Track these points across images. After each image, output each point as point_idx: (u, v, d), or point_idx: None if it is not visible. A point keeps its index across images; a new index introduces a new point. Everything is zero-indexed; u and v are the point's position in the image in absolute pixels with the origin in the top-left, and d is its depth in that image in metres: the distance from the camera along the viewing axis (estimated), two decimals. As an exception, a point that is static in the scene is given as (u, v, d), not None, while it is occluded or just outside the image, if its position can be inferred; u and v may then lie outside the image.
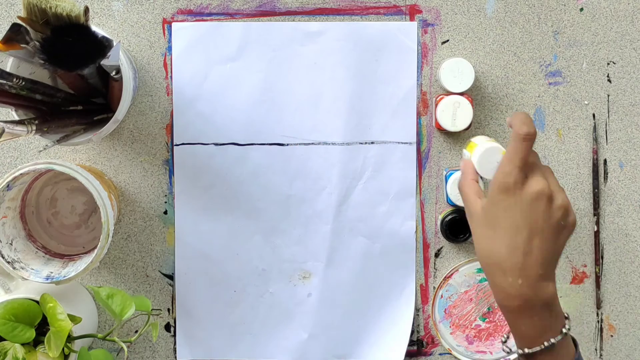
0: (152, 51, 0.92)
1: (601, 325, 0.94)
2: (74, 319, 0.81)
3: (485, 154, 0.77)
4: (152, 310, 0.92)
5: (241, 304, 0.94)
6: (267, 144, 0.93)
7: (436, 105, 0.90)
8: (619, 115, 0.93)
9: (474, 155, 0.78)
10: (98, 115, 0.88)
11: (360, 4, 0.92)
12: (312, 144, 0.93)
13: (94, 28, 0.77)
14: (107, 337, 0.83)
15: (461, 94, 0.90)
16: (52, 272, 0.84)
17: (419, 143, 0.93)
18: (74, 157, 0.93)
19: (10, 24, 0.73)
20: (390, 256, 0.93)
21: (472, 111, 0.89)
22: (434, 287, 0.94)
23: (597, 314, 0.94)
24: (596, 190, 0.93)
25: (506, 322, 0.93)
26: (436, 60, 0.92)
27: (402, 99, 0.92)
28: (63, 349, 0.80)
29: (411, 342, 0.94)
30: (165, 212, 0.93)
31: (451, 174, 0.90)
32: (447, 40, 0.92)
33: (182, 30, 0.92)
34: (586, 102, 0.93)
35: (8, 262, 0.82)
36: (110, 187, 0.90)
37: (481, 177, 0.78)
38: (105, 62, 0.76)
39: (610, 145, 0.93)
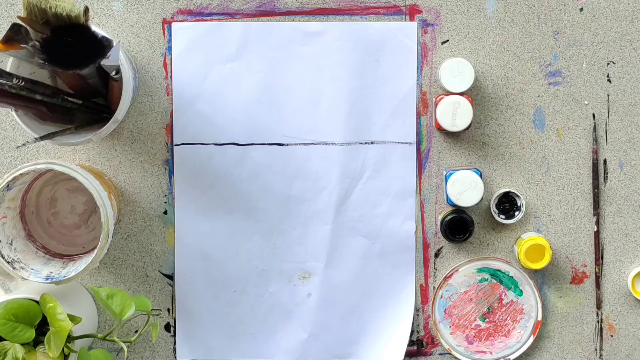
0: (152, 51, 0.92)
1: (601, 325, 0.94)
2: (74, 319, 0.81)
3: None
4: (152, 310, 0.92)
5: (241, 304, 0.94)
6: (267, 144, 0.93)
7: (436, 105, 0.90)
8: (619, 115, 0.93)
9: None
10: (98, 115, 0.88)
11: (360, 4, 0.92)
12: (312, 144, 0.93)
13: (94, 28, 0.77)
14: (107, 337, 0.83)
15: (461, 94, 0.90)
16: (52, 272, 0.84)
17: (418, 143, 0.93)
18: (74, 157, 0.93)
19: (10, 24, 0.73)
20: (390, 256, 0.93)
21: (472, 111, 0.89)
22: (434, 287, 0.94)
23: (597, 314, 0.94)
24: (596, 190, 0.93)
25: (506, 323, 0.94)
26: (436, 60, 0.92)
27: (402, 99, 0.92)
28: (63, 349, 0.80)
29: (411, 342, 0.94)
30: (165, 212, 0.93)
31: (451, 174, 0.90)
32: (447, 40, 0.92)
33: (182, 30, 0.92)
34: (586, 102, 0.93)
35: (8, 262, 0.82)
36: (110, 187, 0.90)
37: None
38: (105, 62, 0.76)
39: (610, 145, 0.93)
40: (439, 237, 0.94)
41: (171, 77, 0.92)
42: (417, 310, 0.94)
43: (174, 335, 0.94)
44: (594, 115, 0.93)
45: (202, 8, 0.92)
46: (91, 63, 0.75)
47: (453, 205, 0.91)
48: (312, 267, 0.94)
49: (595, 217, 0.93)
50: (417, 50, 0.92)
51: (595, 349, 0.94)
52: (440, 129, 0.91)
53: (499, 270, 0.93)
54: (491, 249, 0.94)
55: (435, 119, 0.90)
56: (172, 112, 0.92)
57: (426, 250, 0.94)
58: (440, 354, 0.95)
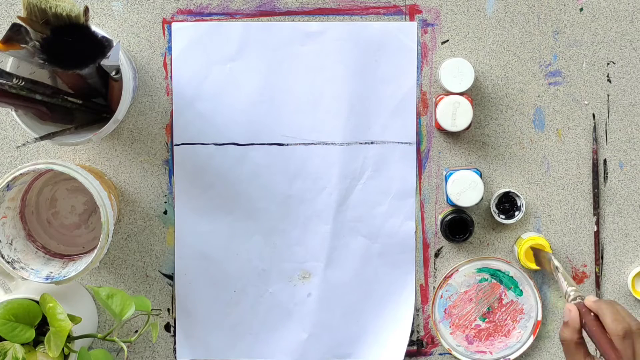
0: (152, 51, 0.92)
1: (601, 325, 0.94)
2: (74, 319, 0.81)
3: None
4: (152, 310, 0.92)
5: (241, 304, 0.94)
6: (267, 144, 0.93)
7: (436, 105, 0.90)
8: (619, 115, 0.93)
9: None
10: (98, 115, 0.88)
11: (360, 4, 0.92)
12: (312, 144, 0.93)
13: (94, 28, 0.77)
14: (107, 337, 0.83)
15: (461, 94, 0.90)
16: (52, 272, 0.84)
17: (418, 143, 0.93)
18: (74, 157, 0.93)
19: (10, 24, 0.73)
20: (390, 256, 0.93)
21: (472, 111, 0.89)
22: (434, 287, 0.94)
23: (597, 314, 0.94)
24: (596, 190, 0.93)
25: (506, 323, 0.94)
26: (436, 60, 0.92)
27: (402, 99, 0.92)
28: (63, 349, 0.80)
29: (411, 342, 0.94)
30: (165, 212, 0.93)
31: (451, 174, 0.90)
32: (447, 40, 0.92)
33: (182, 30, 0.92)
34: (586, 102, 0.93)
35: (8, 262, 0.82)
36: (110, 187, 0.90)
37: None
38: (105, 62, 0.76)
39: (610, 145, 0.93)
40: (439, 237, 0.94)
41: (171, 77, 0.92)
42: (417, 310, 0.94)
43: (174, 335, 0.94)
44: (594, 115, 0.93)
45: (202, 8, 0.92)
46: (91, 63, 0.75)
47: (453, 205, 0.91)
48: (312, 267, 0.94)
49: (595, 217, 0.93)
50: (417, 50, 0.92)
51: (596, 349, 0.94)
52: (440, 129, 0.91)
53: (499, 270, 0.93)
54: (491, 249, 0.94)
55: (435, 119, 0.90)
56: (172, 112, 0.92)
57: (426, 250, 0.94)
58: (440, 354, 0.95)
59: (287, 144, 0.93)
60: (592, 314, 0.72)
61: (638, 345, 0.70)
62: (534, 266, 0.90)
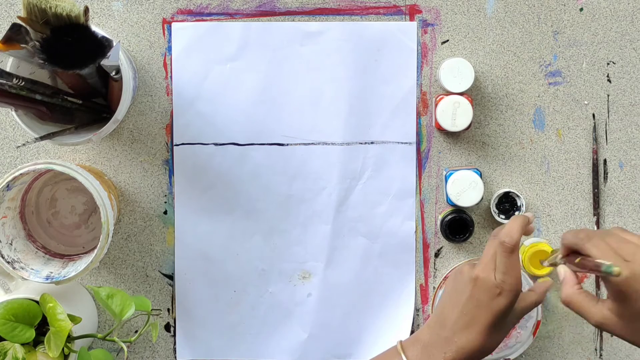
0: (152, 51, 0.92)
1: (601, 325, 0.94)
2: (74, 319, 0.81)
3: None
4: (152, 310, 0.92)
5: (241, 304, 0.94)
6: (267, 144, 0.93)
7: (436, 105, 0.90)
8: (619, 115, 0.93)
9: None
10: (98, 115, 0.88)
11: (360, 4, 0.92)
12: (312, 144, 0.93)
13: (93, 28, 0.77)
14: (107, 337, 0.83)
15: (461, 94, 0.90)
16: (52, 272, 0.84)
17: (418, 143, 0.93)
18: (74, 157, 0.93)
19: (10, 24, 0.73)
20: (390, 256, 0.93)
21: (472, 111, 0.89)
22: (434, 287, 0.94)
23: (597, 314, 0.94)
24: (596, 190, 0.93)
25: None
26: (436, 60, 0.92)
27: (402, 99, 0.92)
28: (63, 349, 0.80)
29: (411, 342, 0.94)
30: (165, 212, 0.93)
31: (451, 174, 0.90)
32: (447, 40, 0.92)
33: (182, 30, 0.92)
34: (586, 102, 0.93)
35: (8, 262, 0.82)
36: (110, 187, 0.90)
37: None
38: (105, 62, 0.76)
39: (610, 145, 0.93)
40: (439, 237, 0.94)
41: (171, 77, 0.92)
42: (417, 310, 0.94)
43: (174, 335, 0.94)
44: (594, 115, 0.93)
45: (202, 8, 0.92)
46: (91, 63, 0.75)
47: (453, 205, 0.91)
48: (312, 267, 0.94)
49: (595, 217, 0.93)
50: (417, 50, 0.92)
51: (595, 349, 0.94)
52: (440, 129, 0.91)
53: (499, 270, 0.93)
54: (491, 249, 0.94)
55: (435, 119, 0.90)
56: (172, 112, 0.92)
57: (426, 250, 0.94)
58: (440, 354, 0.94)
59: (287, 144, 0.93)
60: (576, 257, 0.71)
61: (609, 240, 0.68)
62: (538, 272, 0.90)
